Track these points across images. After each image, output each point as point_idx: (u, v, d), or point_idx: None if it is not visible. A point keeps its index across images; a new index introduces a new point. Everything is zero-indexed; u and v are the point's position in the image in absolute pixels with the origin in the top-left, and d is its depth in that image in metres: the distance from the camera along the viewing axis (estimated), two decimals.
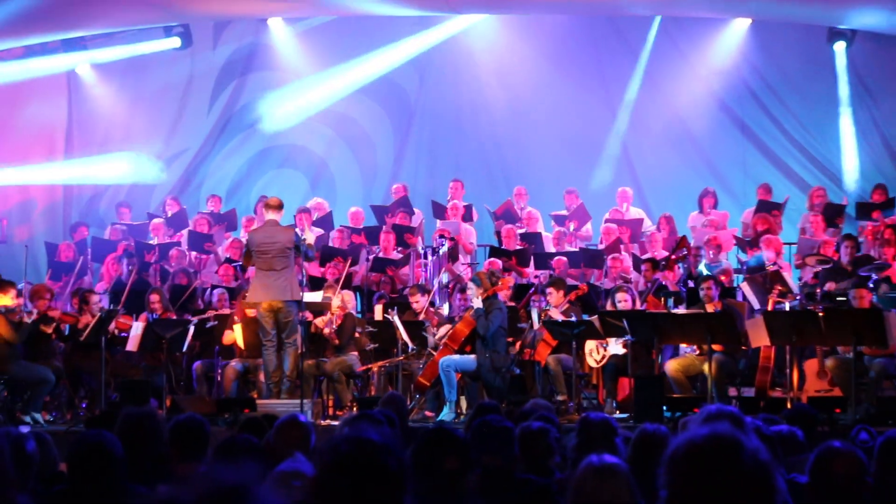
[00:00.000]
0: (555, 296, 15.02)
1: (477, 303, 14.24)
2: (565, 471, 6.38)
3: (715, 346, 13.46)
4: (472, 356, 14.23)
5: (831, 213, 17.62)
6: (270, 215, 14.36)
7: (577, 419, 7.06)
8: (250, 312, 14.78)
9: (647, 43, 21.00)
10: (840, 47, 19.75)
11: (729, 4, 19.29)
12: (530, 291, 15.90)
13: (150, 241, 18.94)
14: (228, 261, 17.59)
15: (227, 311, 15.76)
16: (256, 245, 14.17)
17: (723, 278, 15.74)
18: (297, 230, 14.61)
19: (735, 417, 5.79)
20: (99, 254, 18.81)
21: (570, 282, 16.47)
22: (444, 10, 19.78)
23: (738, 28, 20.39)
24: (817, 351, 13.85)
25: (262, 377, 14.73)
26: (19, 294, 14.85)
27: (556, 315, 14.73)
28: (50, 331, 14.56)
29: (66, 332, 15.17)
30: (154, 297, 15.73)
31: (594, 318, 14.25)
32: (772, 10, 19.09)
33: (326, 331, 15.03)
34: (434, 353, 14.62)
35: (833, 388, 13.56)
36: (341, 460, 3.50)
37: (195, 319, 15.24)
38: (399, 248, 18.19)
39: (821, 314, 13.05)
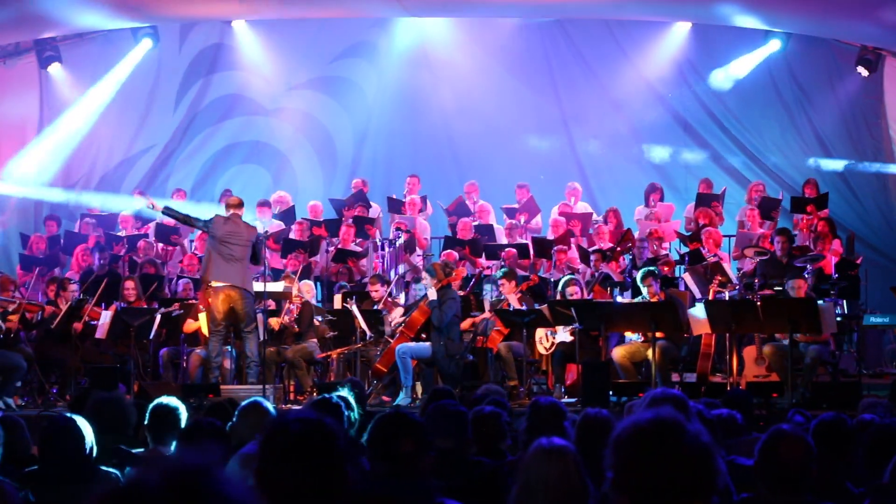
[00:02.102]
0: (507, 286, 15.36)
1: (431, 293, 14.55)
2: (517, 453, 6.41)
3: (658, 334, 13.75)
4: (428, 343, 14.52)
5: (767, 207, 18.03)
6: (232, 212, 14.73)
7: (528, 403, 7.11)
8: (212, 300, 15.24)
9: (592, 45, 21.38)
10: (775, 46, 20.21)
11: (670, 9, 19.56)
12: (475, 277, 16.32)
13: (118, 233, 19.11)
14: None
15: (192, 301, 16.00)
16: (221, 233, 14.49)
17: (665, 269, 16.05)
18: (259, 229, 15.06)
19: (679, 400, 5.77)
20: (70, 246, 18.96)
21: (520, 272, 16.89)
22: (400, 13, 20.12)
23: (680, 31, 20.76)
24: (755, 338, 14.15)
25: (226, 363, 15.02)
26: None
27: (515, 303, 15.08)
28: (15, 320, 14.65)
29: (37, 320, 15.29)
30: (129, 284, 15.91)
31: (544, 307, 14.60)
32: (709, 15, 19.44)
33: (286, 319, 15.35)
34: (391, 341, 14.90)
35: (770, 374, 13.81)
36: (292, 439, 3.58)
37: (162, 309, 15.48)
38: (358, 240, 18.52)
39: (758, 303, 13.45)
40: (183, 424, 6.83)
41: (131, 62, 21.39)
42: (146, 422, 6.89)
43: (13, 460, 6.41)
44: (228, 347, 15.17)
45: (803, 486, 5.23)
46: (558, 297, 15.12)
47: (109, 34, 21.21)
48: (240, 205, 14.89)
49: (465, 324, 15.27)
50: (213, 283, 14.58)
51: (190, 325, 15.74)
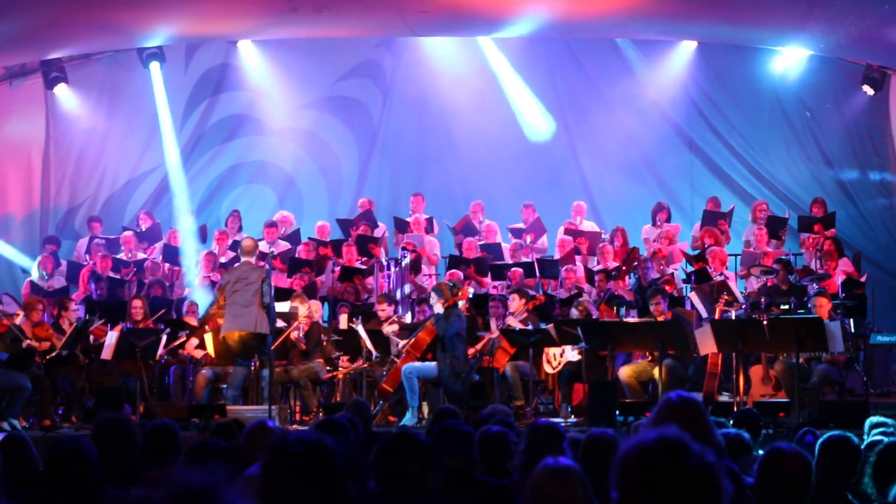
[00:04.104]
0: (516, 302, 15.41)
1: (438, 311, 14.58)
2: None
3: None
4: (434, 363, 14.53)
5: (775, 226, 18.03)
6: (245, 258, 14.94)
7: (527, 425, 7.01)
8: (221, 321, 15.08)
9: (598, 64, 21.38)
10: (780, 65, 20.18)
11: (677, 28, 19.58)
12: (490, 301, 16.22)
13: (121, 256, 19.09)
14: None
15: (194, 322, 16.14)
16: (232, 284, 14.70)
17: (668, 288, 16.05)
18: (264, 248, 15.13)
19: (694, 405, 5.52)
20: (73, 274, 19.04)
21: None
22: (406, 33, 20.18)
23: (686, 50, 20.77)
24: (762, 357, 14.20)
25: (227, 386, 15.01)
26: None
27: (514, 323, 15.09)
28: (37, 346, 14.67)
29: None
30: (137, 304, 15.94)
31: (550, 326, 14.65)
32: (716, 34, 19.51)
33: (294, 335, 15.41)
34: (397, 361, 14.92)
35: (777, 393, 13.88)
36: (293, 460, 3.60)
37: (167, 329, 15.53)
38: (362, 259, 18.54)
39: (765, 322, 13.45)
40: (180, 445, 6.83)
41: (136, 82, 21.44)
42: (145, 442, 6.89)
43: (20, 479, 6.40)
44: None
45: (802, 501, 5.28)
46: (575, 312, 15.07)
47: (116, 55, 21.28)
48: (253, 250, 15.06)
49: (473, 349, 15.27)
50: (224, 334, 14.74)
51: (191, 347, 15.81)
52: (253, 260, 14.96)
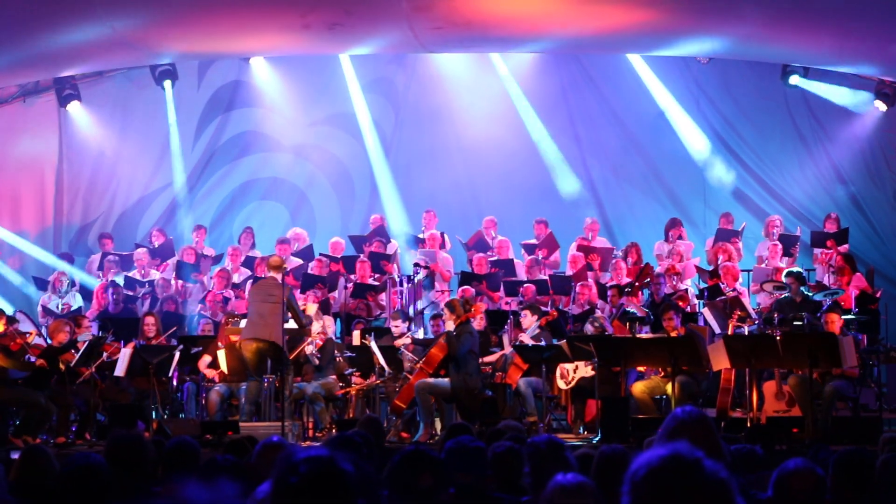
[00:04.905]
0: (528, 318, 15.46)
1: (450, 327, 14.60)
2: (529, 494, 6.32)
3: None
4: (447, 379, 14.51)
5: (787, 244, 18.04)
6: (271, 273, 15.03)
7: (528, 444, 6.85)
8: (234, 338, 15.24)
9: (609, 79, 21.42)
10: (795, 80, 20.07)
11: (688, 44, 19.06)
12: (507, 320, 16.24)
13: (132, 274, 19.15)
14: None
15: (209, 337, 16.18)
16: (254, 297, 14.88)
17: (682, 304, 16.08)
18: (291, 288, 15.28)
19: (702, 420, 5.46)
20: (86, 293, 19.09)
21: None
22: (418, 50, 20.24)
23: (698, 65, 20.76)
24: (775, 373, 14.12)
25: (244, 400, 15.03)
26: (9, 321, 15.00)
27: (527, 340, 15.11)
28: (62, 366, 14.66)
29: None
30: (149, 320, 16.03)
31: (563, 342, 14.68)
32: (727, 49, 19.59)
33: (308, 350, 15.47)
34: (410, 377, 14.94)
35: (790, 409, 13.80)
36: (302, 478, 3.57)
37: (180, 346, 15.52)
38: (375, 276, 18.58)
39: (778, 338, 13.38)
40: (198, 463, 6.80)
41: (149, 99, 21.52)
42: (164, 459, 6.91)
43: (34, 494, 6.39)
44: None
45: None
46: (590, 328, 15.07)
47: (129, 72, 21.36)
48: (279, 266, 15.08)
49: (486, 364, 15.27)
50: (237, 338, 14.87)
51: (204, 363, 15.82)
52: (279, 277, 14.96)
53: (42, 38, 16.85)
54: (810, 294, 16.16)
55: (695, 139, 21.02)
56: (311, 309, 15.56)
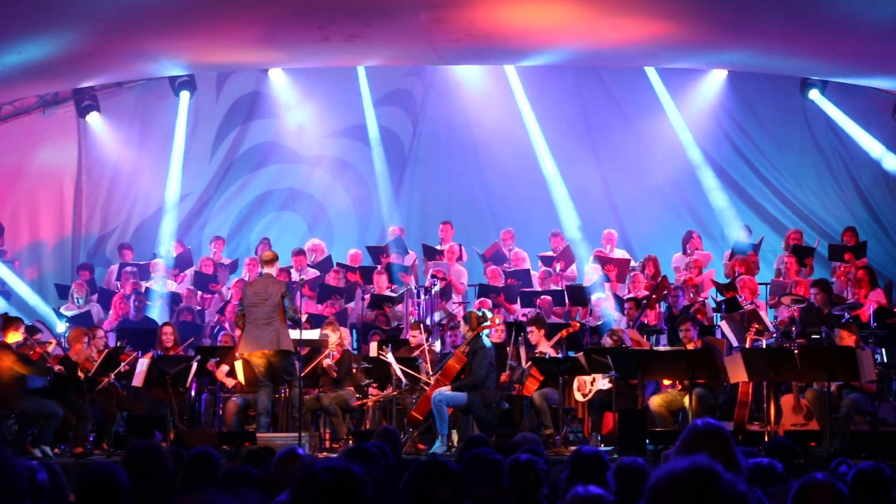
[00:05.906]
0: (535, 334, 15.41)
1: (467, 338, 14.56)
2: (555, 502, 6.36)
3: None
4: (464, 393, 14.42)
5: (801, 255, 18.01)
6: (265, 269, 14.89)
7: (570, 452, 7.10)
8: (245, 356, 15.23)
9: (627, 91, 21.44)
10: (814, 95, 20.07)
11: (707, 57, 19.53)
12: (521, 333, 16.11)
13: (150, 284, 19.21)
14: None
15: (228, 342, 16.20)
16: (249, 299, 14.63)
17: (699, 316, 16.04)
18: (294, 277, 15.05)
19: (720, 433, 5.42)
20: (105, 300, 19.16)
21: (555, 320, 16.90)
22: (436, 61, 20.24)
23: (716, 79, 20.84)
24: (793, 386, 14.08)
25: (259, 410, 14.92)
26: (28, 331, 15.04)
27: (548, 351, 15.12)
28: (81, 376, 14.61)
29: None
30: (167, 329, 15.97)
31: (580, 354, 14.58)
32: (747, 62, 19.49)
33: (326, 362, 15.40)
34: (427, 388, 14.90)
35: (808, 423, 13.75)
36: (320, 489, 3.58)
37: (198, 356, 15.47)
38: (392, 287, 18.60)
39: (796, 351, 13.31)
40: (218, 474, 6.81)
41: (167, 111, 21.58)
42: (184, 469, 6.91)
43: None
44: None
45: None
46: (608, 340, 15.07)
47: (147, 83, 21.46)
48: (272, 260, 14.95)
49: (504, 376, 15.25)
50: (246, 354, 14.72)
51: (222, 373, 15.81)
52: (274, 272, 14.88)
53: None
54: (832, 305, 16.11)
55: (712, 152, 20.99)
56: (333, 338, 15.51)
